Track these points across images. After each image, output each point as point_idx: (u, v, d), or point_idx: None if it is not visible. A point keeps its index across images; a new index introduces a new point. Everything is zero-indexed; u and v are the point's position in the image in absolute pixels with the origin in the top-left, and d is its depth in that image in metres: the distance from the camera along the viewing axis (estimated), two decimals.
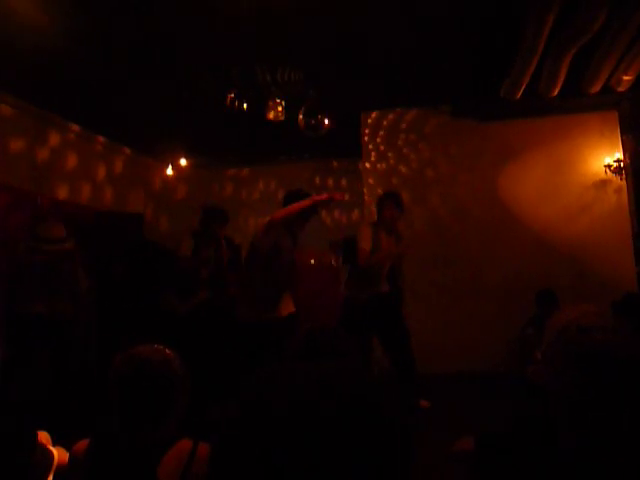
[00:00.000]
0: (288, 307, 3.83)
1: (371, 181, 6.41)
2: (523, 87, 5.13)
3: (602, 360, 1.29)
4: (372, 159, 6.44)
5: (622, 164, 5.83)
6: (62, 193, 6.19)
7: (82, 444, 1.60)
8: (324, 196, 3.62)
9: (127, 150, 7.45)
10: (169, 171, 7.79)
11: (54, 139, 6.14)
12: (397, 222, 4.62)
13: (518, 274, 5.78)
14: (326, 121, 4.77)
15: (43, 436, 1.67)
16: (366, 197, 6.37)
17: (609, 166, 5.85)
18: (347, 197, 3.83)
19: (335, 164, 8.19)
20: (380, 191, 6.17)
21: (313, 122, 4.76)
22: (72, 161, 6.41)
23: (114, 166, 7.27)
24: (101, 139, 6.88)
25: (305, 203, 3.53)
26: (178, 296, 4.91)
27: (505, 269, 5.85)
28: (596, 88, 5.23)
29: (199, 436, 1.55)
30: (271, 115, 4.89)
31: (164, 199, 8.33)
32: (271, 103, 4.86)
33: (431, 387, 4.65)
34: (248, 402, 0.66)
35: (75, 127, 6.36)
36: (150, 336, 1.75)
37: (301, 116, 4.75)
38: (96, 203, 6.76)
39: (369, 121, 6.45)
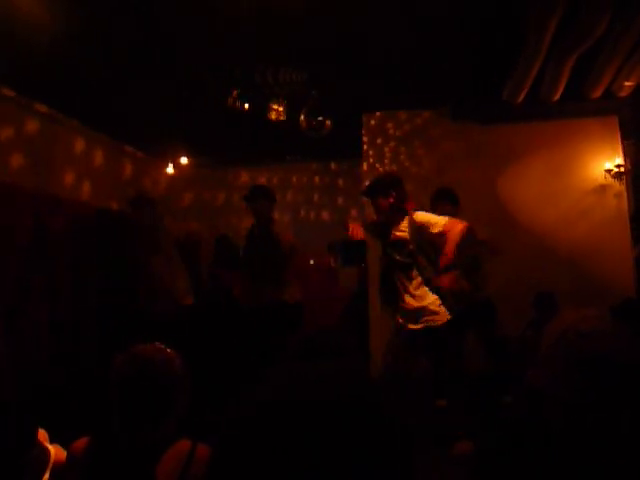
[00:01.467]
0: None
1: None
2: (525, 91, 5.13)
3: (601, 365, 1.29)
4: (372, 160, 6.43)
5: (622, 169, 5.84)
6: (64, 191, 6.17)
7: (80, 442, 1.60)
8: None
9: (127, 148, 7.44)
10: (170, 170, 7.78)
11: (62, 135, 6.13)
12: None
13: (517, 277, 5.77)
14: (327, 122, 4.78)
15: (40, 434, 1.66)
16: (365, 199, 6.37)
17: (609, 171, 5.85)
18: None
19: (335, 165, 8.19)
20: None
21: (315, 123, 4.77)
22: (74, 158, 6.41)
23: (114, 164, 7.25)
24: (103, 137, 6.87)
25: None
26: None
27: (504, 272, 5.84)
28: (597, 93, 5.24)
29: (200, 436, 1.54)
30: (272, 115, 4.89)
31: (165, 198, 8.30)
32: (272, 103, 4.86)
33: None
34: (248, 402, 0.65)
35: (75, 124, 6.36)
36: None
37: (303, 117, 4.76)
38: (97, 200, 6.73)
39: (370, 122, 6.44)
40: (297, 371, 0.69)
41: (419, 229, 3.96)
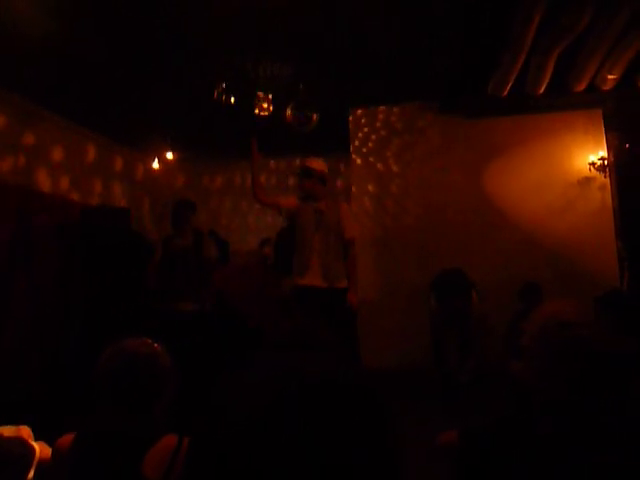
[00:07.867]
0: None
1: (358, 177, 6.42)
2: (510, 84, 5.15)
3: (583, 354, 1.31)
4: (360, 155, 6.44)
5: (606, 162, 5.89)
6: (46, 185, 6.09)
7: (66, 439, 1.58)
8: None
9: (114, 143, 7.38)
10: (155, 164, 7.72)
11: (39, 129, 6.04)
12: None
13: (503, 269, 5.81)
14: (315, 116, 4.75)
15: (25, 431, 1.65)
16: (354, 192, 6.39)
17: (593, 164, 5.90)
18: None
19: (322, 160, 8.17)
20: (370, 187, 6.23)
21: (301, 117, 4.74)
22: (58, 153, 6.33)
23: (101, 159, 7.18)
24: (89, 133, 6.80)
25: None
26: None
27: (490, 265, 5.88)
28: (581, 86, 5.27)
29: (186, 431, 1.54)
30: (258, 110, 4.86)
31: (150, 193, 8.26)
32: (258, 97, 4.82)
33: (412, 382, 4.70)
34: (227, 392, 0.65)
35: (59, 118, 6.28)
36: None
37: (289, 111, 4.73)
38: (82, 196, 6.66)
39: (357, 117, 6.45)
40: (280, 361, 0.68)
41: None
